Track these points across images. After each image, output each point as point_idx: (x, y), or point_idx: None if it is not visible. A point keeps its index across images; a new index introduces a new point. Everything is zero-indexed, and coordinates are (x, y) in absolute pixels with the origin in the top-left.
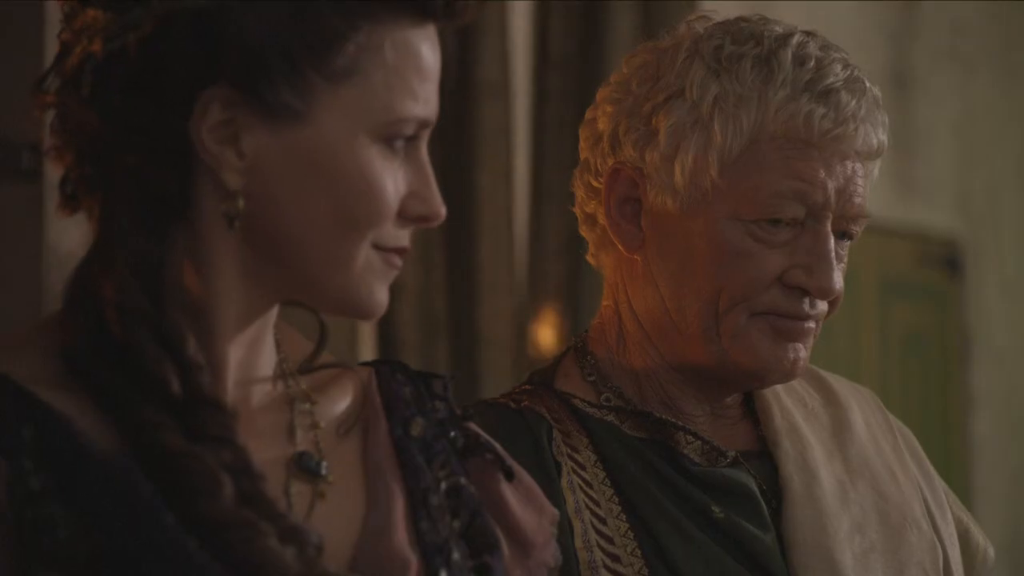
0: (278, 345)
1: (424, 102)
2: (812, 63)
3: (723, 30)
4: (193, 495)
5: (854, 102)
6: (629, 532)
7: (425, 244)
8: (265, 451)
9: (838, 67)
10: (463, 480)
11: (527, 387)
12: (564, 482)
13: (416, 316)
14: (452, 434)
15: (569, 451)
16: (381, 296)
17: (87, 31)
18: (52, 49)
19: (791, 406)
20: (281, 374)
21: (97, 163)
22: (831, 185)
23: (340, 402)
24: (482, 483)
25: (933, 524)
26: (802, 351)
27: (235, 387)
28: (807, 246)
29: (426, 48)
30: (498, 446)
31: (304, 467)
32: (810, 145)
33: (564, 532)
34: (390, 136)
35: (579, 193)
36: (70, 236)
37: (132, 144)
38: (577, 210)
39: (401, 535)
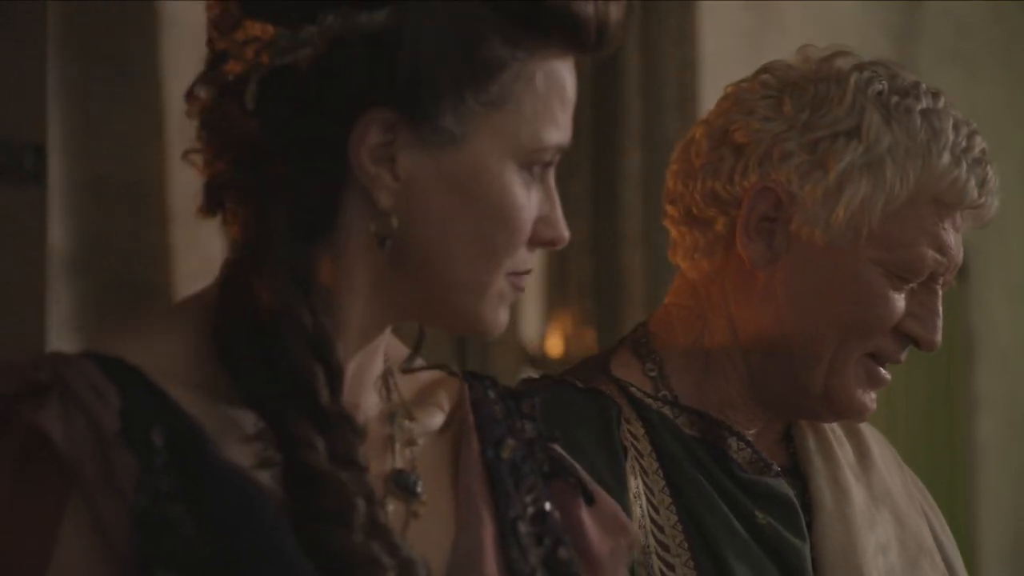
0: (385, 357)
1: (564, 130)
2: (964, 130)
3: (878, 74)
4: (328, 519)
5: (991, 174)
6: (678, 524)
7: None
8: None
9: (979, 137)
10: (548, 506)
11: (583, 373)
12: (628, 466)
13: None
14: (539, 456)
15: (631, 438)
16: (504, 317)
17: (253, 43)
18: (55, 50)
19: (825, 431)
20: (385, 387)
21: (252, 171)
22: (955, 257)
23: (435, 417)
24: (563, 507)
25: (946, 559)
26: (875, 400)
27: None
28: (921, 299)
29: (569, 78)
30: (581, 470)
31: (401, 485)
32: (955, 211)
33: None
34: (532, 162)
35: (691, 195)
36: (72, 238)
37: (291, 156)
38: (676, 208)
39: (491, 563)
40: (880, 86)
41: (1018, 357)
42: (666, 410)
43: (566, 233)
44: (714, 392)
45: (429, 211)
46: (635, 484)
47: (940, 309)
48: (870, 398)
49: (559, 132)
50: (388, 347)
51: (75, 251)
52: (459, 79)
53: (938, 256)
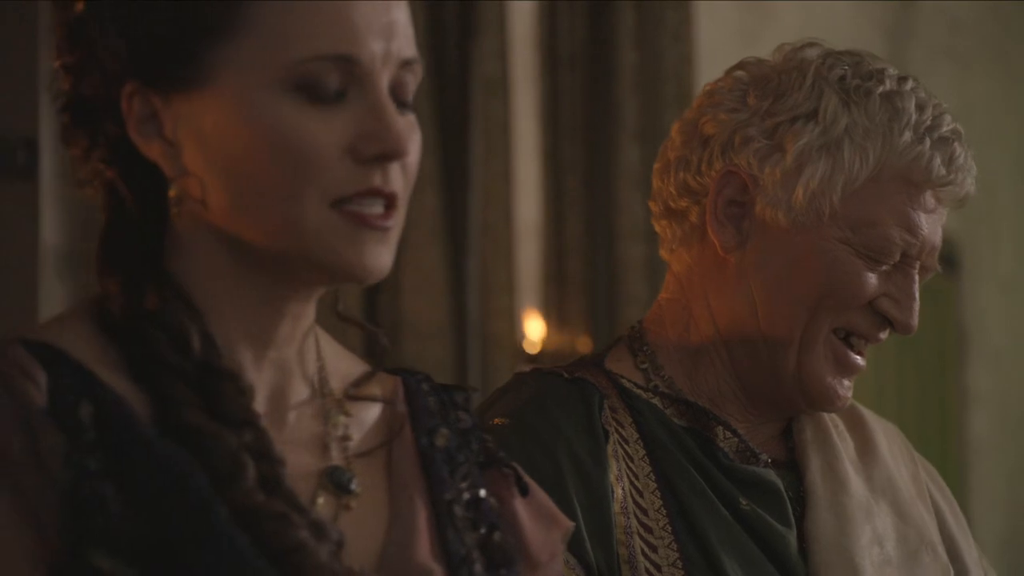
0: (317, 353)
1: (337, 39)
2: (930, 110)
3: (841, 61)
4: (221, 480)
5: (961, 152)
6: (662, 508)
7: (425, 240)
8: (298, 461)
9: (948, 117)
10: (483, 492)
11: (576, 365)
12: (610, 449)
13: (417, 313)
14: (474, 446)
15: (616, 424)
16: (359, 258)
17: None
18: (48, 46)
19: (826, 423)
20: (320, 383)
21: (94, 175)
22: (927, 238)
23: (370, 412)
24: (497, 496)
25: (954, 550)
26: (850, 389)
27: (269, 395)
28: (898, 281)
29: None
30: (515, 464)
31: (335, 482)
32: (923, 190)
33: (604, 498)
34: (304, 82)
35: (667, 189)
36: (65, 233)
37: (107, 158)
38: (656, 204)
39: (424, 547)
40: (842, 71)
41: (1010, 353)
42: (655, 400)
43: (401, 143)
44: (704, 384)
45: (214, 164)
46: (616, 467)
47: (916, 293)
48: (842, 385)
49: (326, 42)
50: (332, 353)
51: (67, 245)
52: (172, 25)
53: (907, 236)
